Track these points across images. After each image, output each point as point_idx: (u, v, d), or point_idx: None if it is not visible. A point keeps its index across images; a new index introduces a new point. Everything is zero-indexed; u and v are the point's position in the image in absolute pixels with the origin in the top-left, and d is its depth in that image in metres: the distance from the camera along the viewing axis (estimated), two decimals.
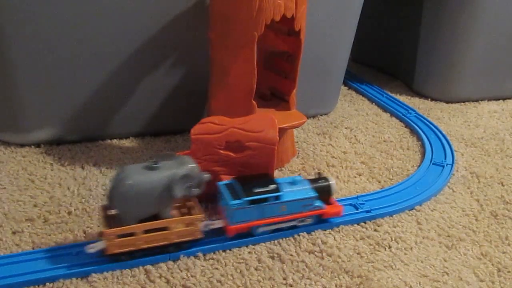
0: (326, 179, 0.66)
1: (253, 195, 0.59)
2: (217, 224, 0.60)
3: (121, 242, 0.55)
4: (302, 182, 0.64)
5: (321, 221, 0.65)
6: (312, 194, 0.63)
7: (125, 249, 0.55)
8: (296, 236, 0.63)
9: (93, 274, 0.54)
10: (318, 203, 0.63)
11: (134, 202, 0.54)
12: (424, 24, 1.16)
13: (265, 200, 0.60)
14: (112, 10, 0.76)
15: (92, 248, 0.54)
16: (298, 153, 0.86)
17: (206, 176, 0.58)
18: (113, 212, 0.57)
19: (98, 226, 0.62)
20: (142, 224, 0.55)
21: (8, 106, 0.80)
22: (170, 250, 0.58)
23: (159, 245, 0.57)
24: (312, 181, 0.65)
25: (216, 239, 0.60)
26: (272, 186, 0.61)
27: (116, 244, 0.54)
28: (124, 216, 0.55)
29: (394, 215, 0.69)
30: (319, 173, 0.68)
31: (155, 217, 0.56)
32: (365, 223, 0.67)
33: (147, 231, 0.56)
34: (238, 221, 0.60)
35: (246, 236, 0.61)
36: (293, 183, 0.63)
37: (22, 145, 0.82)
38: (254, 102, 0.72)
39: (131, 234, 0.55)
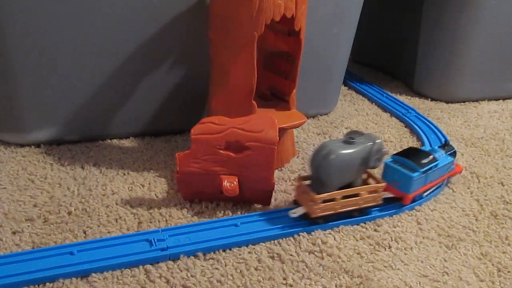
0: (451, 146, 0.77)
1: (425, 166, 0.68)
2: (387, 194, 0.69)
3: (324, 207, 0.63)
4: (439, 150, 0.74)
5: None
6: (451, 159, 0.74)
7: (326, 212, 0.63)
8: (296, 236, 0.63)
9: (93, 274, 0.54)
10: (452, 166, 0.76)
11: (338, 172, 0.62)
12: (424, 24, 1.16)
13: (429, 169, 0.69)
14: (112, 10, 0.76)
15: (294, 213, 0.63)
16: (298, 153, 0.86)
17: (385, 151, 0.67)
18: (307, 182, 0.65)
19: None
20: (344, 190, 0.64)
21: (8, 106, 0.80)
22: (355, 215, 0.66)
23: (349, 210, 0.65)
24: (443, 147, 0.76)
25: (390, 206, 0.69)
26: (432, 156, 0.70)
27: (320, 208, 0.63)
28: (329, 184, 0.63)
29: (394, 215, 0.69)
30: (445, 141, 0.79)
31: (346, 186, 0.65)
32: (365, 223, 0.67)
33: (343, 197, 0.64)
34: (413, 190, 0.68)
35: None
36: (434, 151, 0.73)
37: (22, 145, 0.82)
38: (254, 102, 0.72)
39: (331, 200, 0.63)
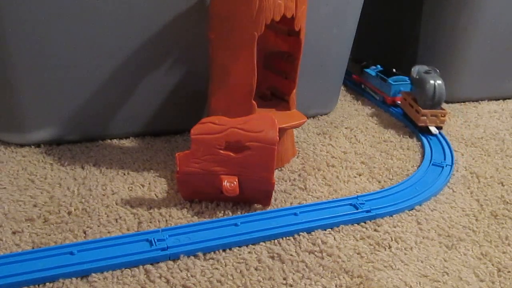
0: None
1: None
2: None
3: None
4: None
5: None
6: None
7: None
8: (296, 236, 0.63)
9: (93, 274, 0.54)
10: None
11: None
12: (424, 24, 1.16)
13: None
14: (112, 10, 0.76)
15: (436, 131, 0.92)
16: (298, 153, 0.86)
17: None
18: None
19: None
20: None
21: (8, 106, 0.80)
22: None
23: None
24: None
25: None
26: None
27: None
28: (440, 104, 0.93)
29: (394, 215, 0.69)
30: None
31: None
32: (365, 223, 0.67)
33: None
34: None
35: None
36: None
37: (22, 145, 0.82)
38: (254, 102, 0.72)
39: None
